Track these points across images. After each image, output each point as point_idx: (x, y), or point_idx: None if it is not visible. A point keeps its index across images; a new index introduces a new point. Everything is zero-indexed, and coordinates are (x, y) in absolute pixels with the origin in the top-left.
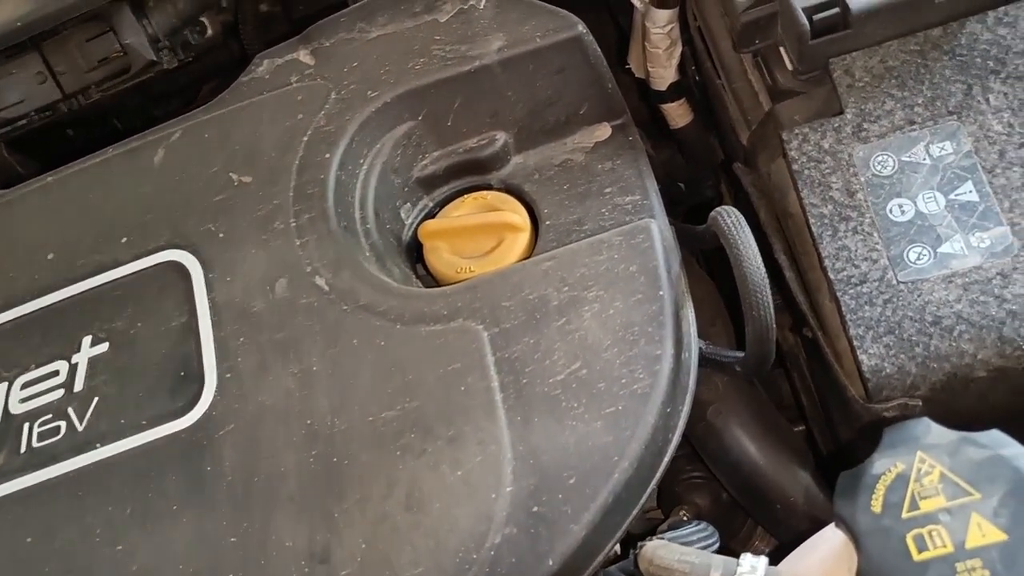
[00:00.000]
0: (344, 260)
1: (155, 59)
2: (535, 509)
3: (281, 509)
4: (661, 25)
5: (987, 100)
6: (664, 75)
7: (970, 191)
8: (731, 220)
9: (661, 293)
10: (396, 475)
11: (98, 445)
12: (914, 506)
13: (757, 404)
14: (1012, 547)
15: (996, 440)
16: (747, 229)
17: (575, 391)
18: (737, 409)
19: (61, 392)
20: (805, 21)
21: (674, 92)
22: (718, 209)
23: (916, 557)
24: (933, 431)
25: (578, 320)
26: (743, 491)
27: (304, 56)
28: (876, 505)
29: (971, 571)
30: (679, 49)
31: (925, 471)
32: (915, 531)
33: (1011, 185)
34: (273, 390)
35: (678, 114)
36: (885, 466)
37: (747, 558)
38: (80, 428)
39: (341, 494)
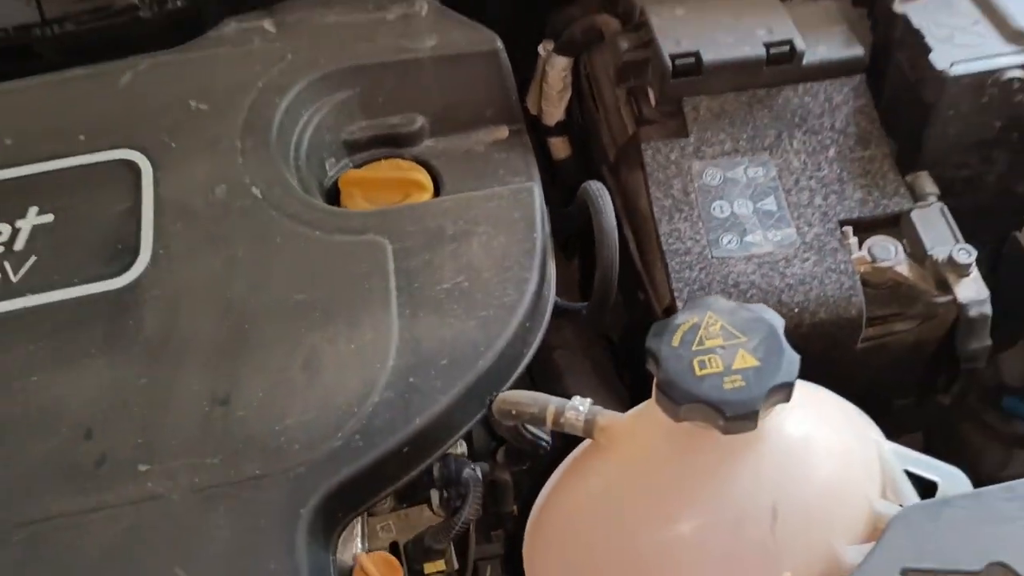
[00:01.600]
0: (277, 179)
1: (136, 3)
2: (411, 380)
3: (191, 362)
4: (559, 69)
5: (791, 144)
6: (554, 113)
7: (771, 203)
8: (596, 188)
9: (535, 236)
10: (298, 343)
11: (28, 294)
12: (700, 343)
13: (594, 357)
14: (762, 369)
15: (761, 308)
16: (607, 195)
17: (456, 297)
18: (577, 356)
19: (6, 239)
20: (669, 63)
21: (560, 129)
22: (587, 182)
23: (698, 372)
24: (720, 302)
25: (467, 246)
26: None
27: (268, 25)
28: (675, 341)
29: (733, 382)
30: (568, 93)
31: (711, 323)
32: (699, 357)
33: (800, 203)
34: (200, 269)
35: (560, 148)
36: (685, 318)
37: (577, 398)
38: (13, 280)
39: (247, 354)
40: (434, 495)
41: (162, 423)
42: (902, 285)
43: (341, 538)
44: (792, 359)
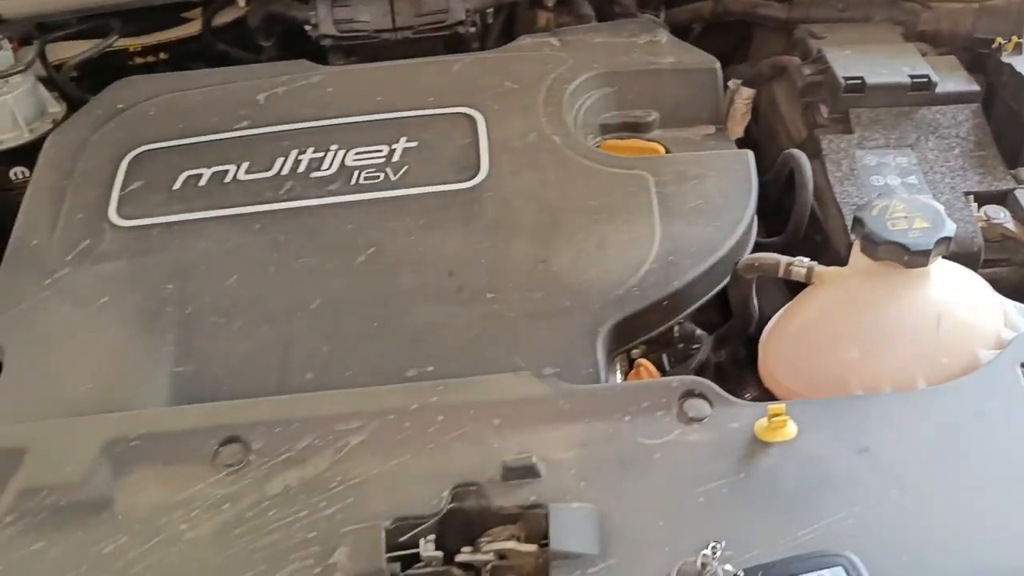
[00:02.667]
0: (569, 134)
1: (462, 19)
2: (670, 258)
3: (520, 236)
4: (745, 97)
5: (927, 144)
6: (736, 131)
7: (913, 178)
8: (797, 153)
9: (751, 180)
10: (592, 231)
11: (403, 188)
12: (890, 215)
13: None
14: (931, 229)
15: (928, 199)
16: (806, 158)
17: (697, 212)
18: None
19: (382, 159)
20: (842, 83)
21: (738, 144)
22: (790, 150)
23: (890, 228)
24: (902, 197)
25: (703, 183)
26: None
27: (553, 40)
28: (874, 212)
29: (913, 234)
30: (748, 116)
31: (896, 206)
32: (890, 221)
33: (934, 180)
34: (522, 182)
35: None
36: (880, 202)
37: (799, 257)
38: (393, 178)
39: (558, 234)
40: (664, 359)
41: (502, 270)
42: (1009, 239)
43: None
44: (951, 226)
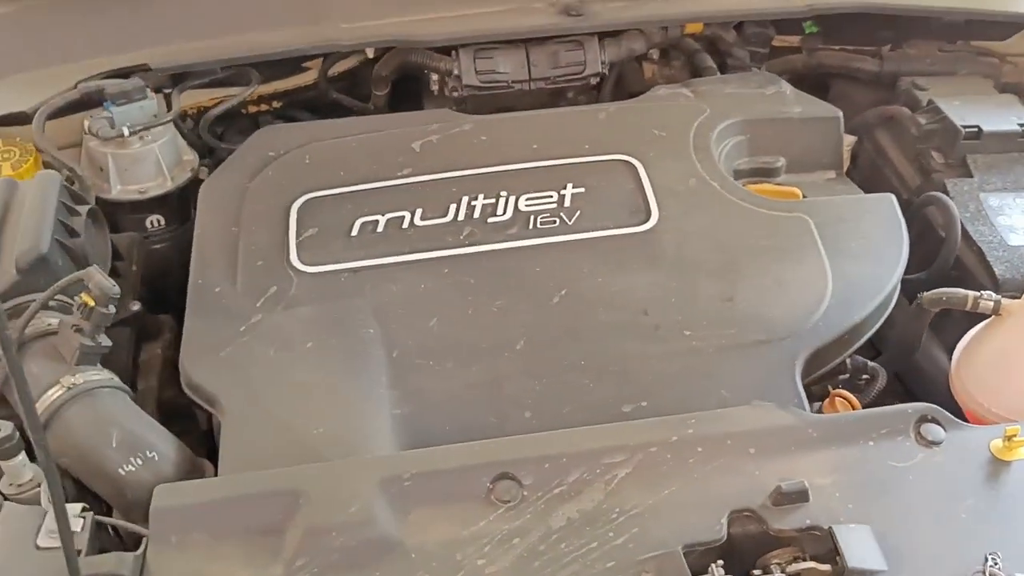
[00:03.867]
0: (724, 178)
1: (599, 72)
2: (846, 294)
3: (703, 275)
4: (847, 145)
5: None
6: None
7: None
8: (944, 198)
9: (899, 222)
10: (767, 270)
11: (582, 232)
12: None
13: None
14: None
15: None
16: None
17: (856, 252)
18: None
19: (554, 205)
20: (961, 131)
21: None
22: (935, 194)
23: None
24: None
25: (856, 225)
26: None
27: (686, 91)
28: None
29: None
30: (848, 162)
31: None
32: None
33: None
34: (692, 224)
35: None
36: None
37: (984, 292)
38: (569, 222)
39: (737, 273)
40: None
41: (692, 308)
42: None
43: None
44: None
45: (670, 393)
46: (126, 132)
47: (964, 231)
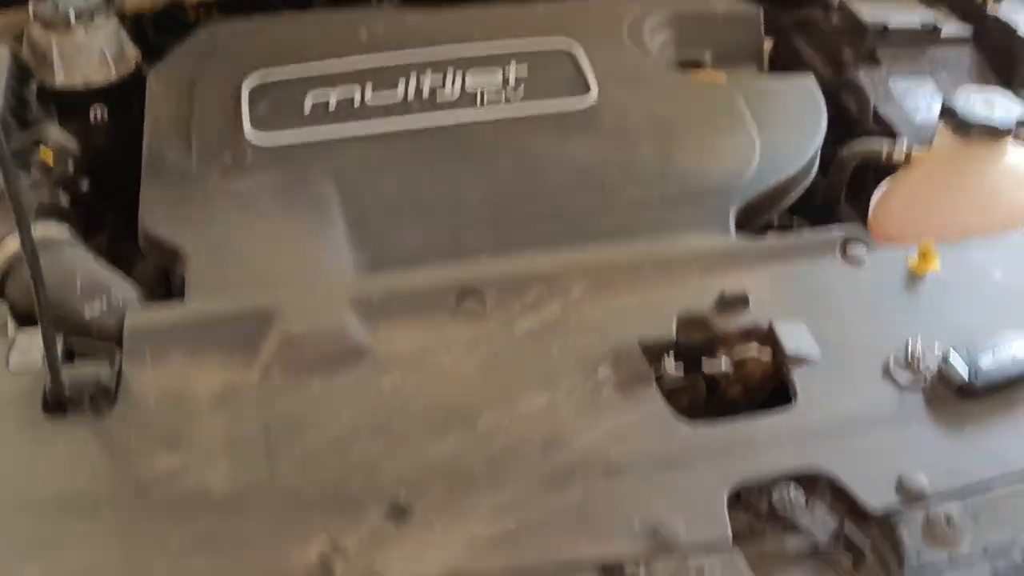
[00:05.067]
0: (658, 62)
1: None
2: (771, 157)
3: (642, 140)
4: (767, 47)
5: (940, 75)
6: None
7: (938, 100)
8: (859, 83)
9: (819, 98)
10: (702, 136)
11: (527, 108)
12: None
13: None
14: (1008, 116)
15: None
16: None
17: (782, 121)
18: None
19: (499, 83)
20: (870, 27)
21: None
22: (849, 78)
23: (979, 111)
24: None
25: (784, 99)
26: None
27: None
28: (963, 101)
29: (998, 119)
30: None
31: (979, 98)
32: (978, 107)
33: None
34: (630, 99)
35: None
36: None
37: (899, 140)
38: (514, 99)
39: (676, 139)
40: None
41: (635, 169)
42: None
43: None
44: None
45: (615, 239)
46: (72, 16)
47: (875, 111)
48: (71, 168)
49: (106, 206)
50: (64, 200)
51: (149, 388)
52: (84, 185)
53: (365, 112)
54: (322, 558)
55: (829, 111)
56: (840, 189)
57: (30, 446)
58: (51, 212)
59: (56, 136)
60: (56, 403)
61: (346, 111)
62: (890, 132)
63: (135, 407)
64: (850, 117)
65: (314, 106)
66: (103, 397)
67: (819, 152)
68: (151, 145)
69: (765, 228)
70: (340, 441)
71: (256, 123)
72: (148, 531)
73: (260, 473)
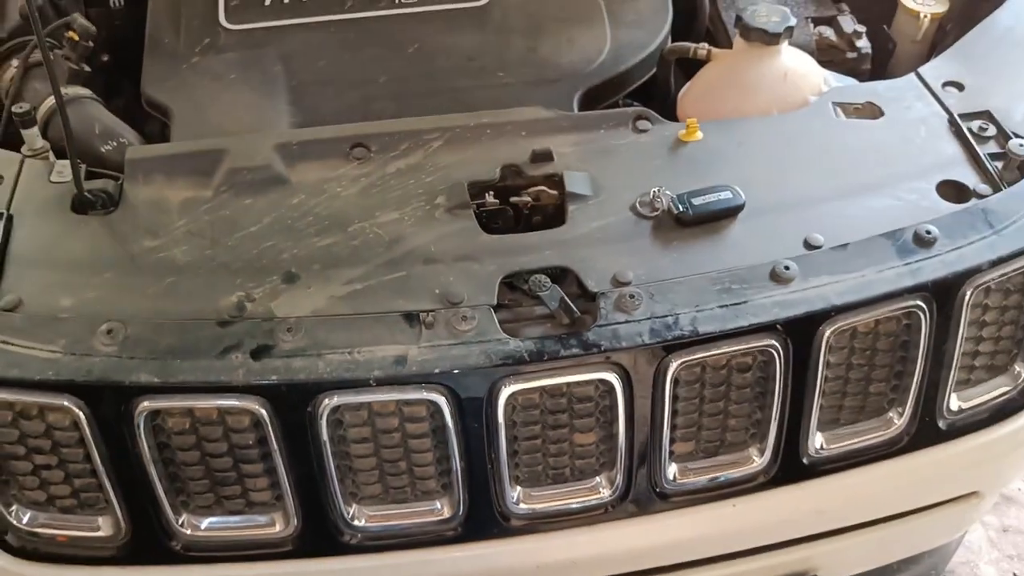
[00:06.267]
0: None
1: None
2: (618, 49)
3: (515, 34)
4: None
5: None
6: None
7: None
8: None
9: (667, 3)
10: (562, 31)
11: (431, 6)
12: (755, 7)
13: None
14: (782, 20)
15: None
16: None
17: (633, 19)
18: None
19: None
20: None
21: None
22: None
23: (756, 19)
24: None
25: (635, 3)
26: None
27: None
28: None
29: (773, 25)
30: None
31: (762, 9)
32: (754, 14)
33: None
34: (512, 1)
35: None
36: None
37: (703, 45)
38: (426, 3)
39: (541, 34)
40: None
41: (506, 57)
42: (831, 47)
43: None
44: (793, 20)
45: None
46: None
47: (719, 15)
48: (92, 45)
49: (123, 76)
50: (88, 69)
51: (140, 198)
52: (104, 57)
53: (310, 8)
54: (238, 302)
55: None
56: (667, 80)
57: (63, 229)
58: (78, 77)
59: (81, 21)
60: (80, 205)
61: (296, 5)
62: (721, 21)
63: (131, 210)
64: (697, 18)
65: (273, 1)
66: (110, 202)
67: (662, 45)
68: (151, 30)
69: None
70: (258, 235)
71: (228, 14)
72: (135, 284)
73: (206, 252)
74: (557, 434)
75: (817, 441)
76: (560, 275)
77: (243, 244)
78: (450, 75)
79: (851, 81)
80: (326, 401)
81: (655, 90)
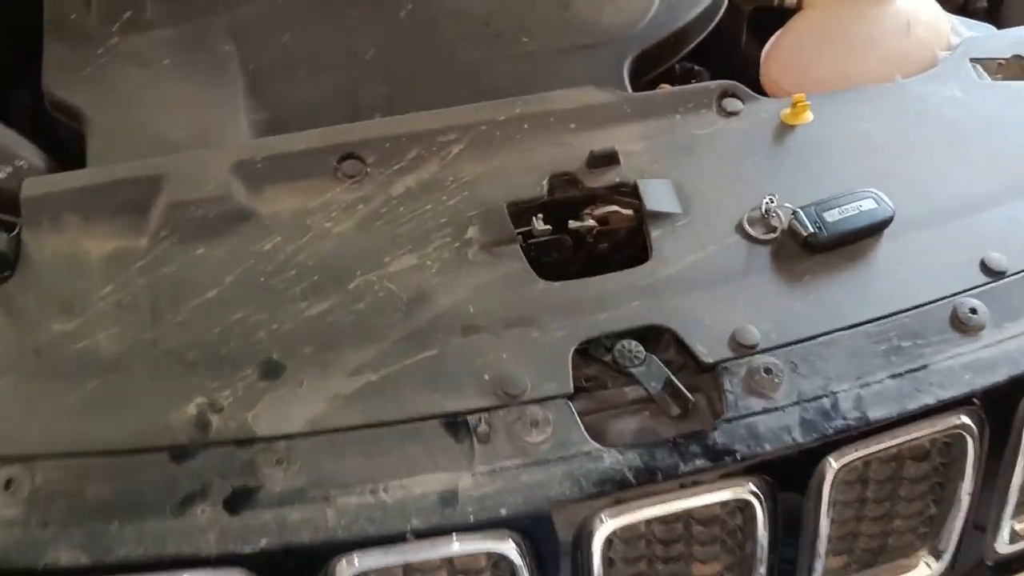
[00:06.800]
0: None
1: None
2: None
3: None
4: None
5: None
6: None
7: None
8: None
9: None
10: None
11: None
12: None
13: None
14: None
15: None
16: None
17: None
18: None
19: None
20: None
21: None
22: None
23: None
24: None
25: None
26: None
27: None
28: None
29: None
30: None
31: None
32: None
33: None
34: None
35: None
36: None
37: None
38: None
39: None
40: None
41: (530, 17)
42: None
43: None
44: None
45: (510, 94)
46: None
47: None
48: None
49: (27, 62)
50: None
51: (45, 255)
52: None
53: None
54: (199, 414)
55: None
56: (739, 37)
57: None
58: None
59: None
60: None
61: None
62: None
63: (32, 274)
64: None
65: None
66: (3, 264)
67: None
68: (50, 2)
69: (663, 77)
70: (220, 304)
71: None
72: (42, 395)
73: (145, 335)
74: (669, 569)
75: (1007, 537)
76: (653, 336)
77: (197, 319)
78: (459, 45)
79: (985, 27)
80: (343, 567)
81: (714, 52)
